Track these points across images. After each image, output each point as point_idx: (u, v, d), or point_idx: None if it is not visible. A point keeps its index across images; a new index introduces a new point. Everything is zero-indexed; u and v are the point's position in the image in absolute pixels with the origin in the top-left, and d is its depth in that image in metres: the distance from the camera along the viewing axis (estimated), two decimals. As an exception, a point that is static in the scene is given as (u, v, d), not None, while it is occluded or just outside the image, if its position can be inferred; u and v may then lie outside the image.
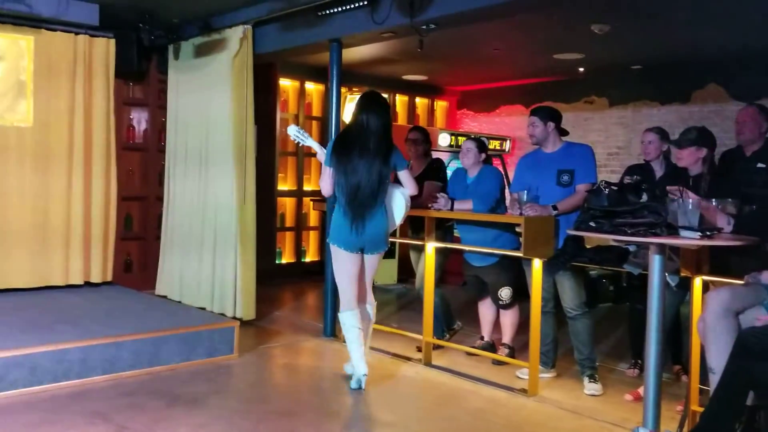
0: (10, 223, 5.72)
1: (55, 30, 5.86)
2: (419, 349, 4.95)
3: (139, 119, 6.92)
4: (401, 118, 9.25)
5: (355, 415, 3.80)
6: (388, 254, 7.89)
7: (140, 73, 6.68)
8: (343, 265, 4.17)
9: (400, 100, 9.34)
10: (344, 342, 4.32)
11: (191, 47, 6.20)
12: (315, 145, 4.43)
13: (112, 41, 6.19)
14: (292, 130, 4.50)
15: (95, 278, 6.13)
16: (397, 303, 7.04)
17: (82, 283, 6.05)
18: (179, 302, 5.84)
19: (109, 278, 6.24)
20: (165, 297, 6.02)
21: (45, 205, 5.89)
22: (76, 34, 5.97)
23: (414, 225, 5.20)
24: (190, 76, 6.17)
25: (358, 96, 4.34)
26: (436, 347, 4.95)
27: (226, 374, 4.47)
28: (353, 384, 4.12)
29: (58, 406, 3.71)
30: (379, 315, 6.25)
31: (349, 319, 4.16)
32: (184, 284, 6.04)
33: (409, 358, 4.89)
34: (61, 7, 5.62)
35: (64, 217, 5.97)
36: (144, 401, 3.86)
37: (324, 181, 4.15)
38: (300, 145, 4.61)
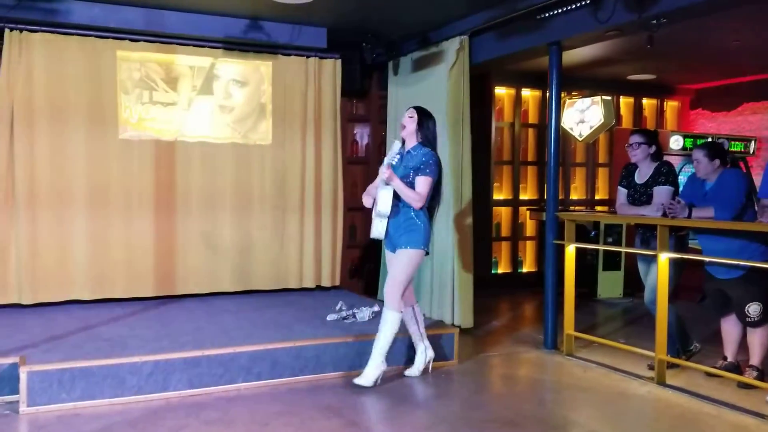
0: (253, 232, 6.33)
1: (289, 55, 6.41)
2: (650, 367, 4.59)
3: (362, 134, 7.30)
4: (626, 121, 8.74)
5: (581, 430, 3.61)
6: (614, 266, 7.52)
7: (362, 91, 7.05)
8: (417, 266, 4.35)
9: (625, 102, 8.82)
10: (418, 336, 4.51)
11: (409, 62, 6.41)
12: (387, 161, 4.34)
13: (339, 62, 6.61)
14: (395, 149, 4.36)
15: (325, 282, 6.58)
16: (624, 318, 6.62)
17: (314, 286, 6.52)
18: (400, 308, 6.03)
19: (337, 283, 6.64)
20: (386, 303, 6.25)
21: (282, 215, 6.44)
22: (307, 57, 6.47)
23: (643, 234, 4.84)
24: (409, 89, 6.38)
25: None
26: (670, 366, 4.56)
27: (447, 379, 4.51)
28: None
29: (297, 399, 4.00)
30: (605, 329, 5.95)
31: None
32: (404, 291, 6.22)
33: (639, 376, 4.56)
34: (294, 33, 6.14)
35: (298, 226, 6.48)
36: (370, 399, 4.02)
37: (427, 193, 4.23)
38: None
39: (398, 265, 4.20)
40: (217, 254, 6.19)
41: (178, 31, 5.83)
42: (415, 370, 4.49)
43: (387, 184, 4.18)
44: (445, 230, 5.73)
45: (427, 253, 4.31)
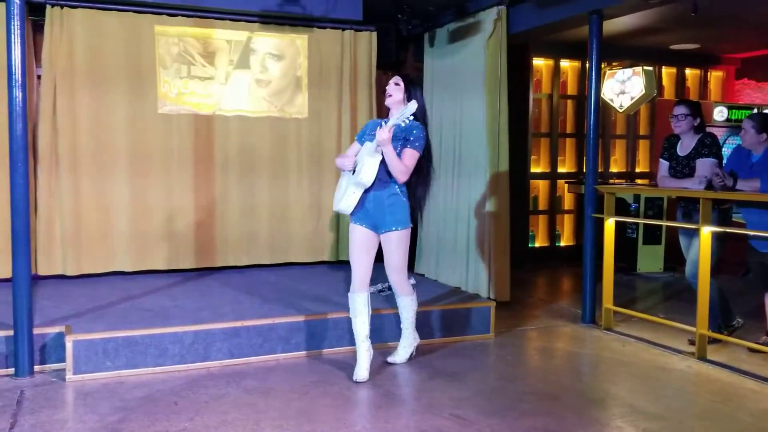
0: (290, 205, 6.38)
1: (325, 28, 6.38)
2: (691, 342, 4.53)
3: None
4: (668, 92, 8.52)
5: (620, 404, 3.59)
6: (654, 240, 7.40)
7: (398, 63, 6.99)
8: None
9: (667, 73, 8.58)
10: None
11: (445, 33, 6.32)
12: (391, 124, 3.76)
13: (374, 34, 6.55)
14: (411, 109, 3.70)
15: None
16: (664, 292, 6.52)
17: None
18: (436, 280, 6.04)
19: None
20: (422, 275, 6.26)
21: (318, 188, 6.47)
22: (343, 30, 6.43)
23: (685, 208, 4.74)
24: (445, 61, 6.31)
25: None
26: (712, 341, 4.49)
27: (483, 353, 4.52)
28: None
29: (334, 369, 4.06)
30: (645, 304, 5.88)
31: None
32: (440, 263, 6.22)
33: (679, 351, 4.50)
34: (329, 5, 6.10)
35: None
36: (407, 372, 4.05)
37: (412, 168, 3.83)
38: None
39: (396, 251, 3.87)
40: (254, 227, 6.26)
41: (215, 5, 5.85)
42: (401, 357, 4.20)
43: (375, 151, 3.75)
44: (481, 203, 5.69)
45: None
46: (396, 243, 3.86)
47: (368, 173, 3.71)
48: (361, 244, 3.88)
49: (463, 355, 4.40)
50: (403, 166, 3.75)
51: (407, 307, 4.11)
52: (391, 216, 3.83)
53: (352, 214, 3.88)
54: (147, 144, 5.85)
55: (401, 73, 3.99)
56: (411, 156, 3.80)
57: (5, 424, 3.21)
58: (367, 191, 3.81)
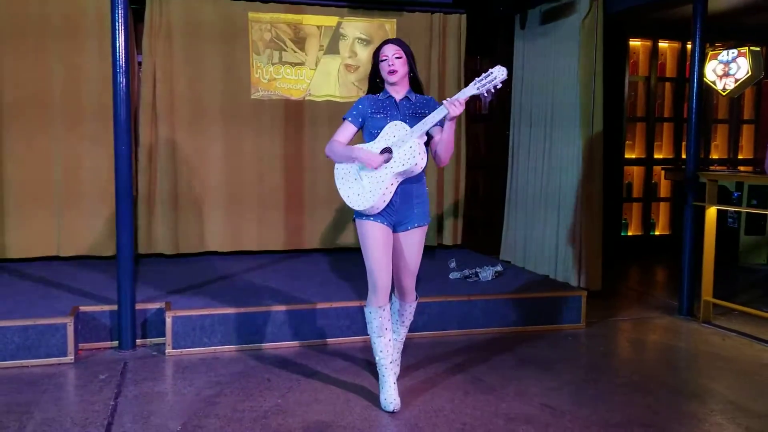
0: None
1: (414, 11, 6.34)
2: (799, 338, 4.27)
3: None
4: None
5: (719, 400, 3.42)
6: (758, 230, 7.00)
7: (488, 46, 6.87)
8: None
9: (774, 54, 8.07)
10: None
11: (537, 15, 6.15)
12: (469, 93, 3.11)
13: (464, 17, 6.46)
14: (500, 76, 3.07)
15: (446, 241, 6.58)
16: (766, 285, 6.17)
17: (435, 245, 6.53)
18: (523, 268, 5.93)
19: (459, 242, 6.63)
20: (509, 262, 6.17)
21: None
22: (432, 13, 6.38)
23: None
24: (536, 43, 6.14)
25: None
26: (822, 338, 4.22)
27: (574, 342, 4.41)
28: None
29: (421, 353, 4.07)
30: (746, 297, 5.57)
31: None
32: (527, 250, 6.11)
33: (785, 347, 4.26)
34: (418, -12, 6.08)
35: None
36: (495, 359, 4.01)
37: None
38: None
39: (419, 249, 3.32)
40: (342, 212, 6.33)
41: (305, -10, 5.94)
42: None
43: (421, 131, 3.11)
44: (573, 190, 5.53)
45: None
46: (420, 240, 3.30)
47: (423, 158, 3.11)
48: (384, 245, 3.20)
49: (554, 345, 4.32)
50: (453, 147, 3.23)
51: (410, 315, 3.50)
52: (419, 209, 3.26)
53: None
54: (241, 130, 6.01)
55: (397, 40, 3.29)
56: None
57: (110, 393, 3.40)
58: (402, 183, 3.19)
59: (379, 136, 3.20)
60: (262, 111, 6.07)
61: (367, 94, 3.38)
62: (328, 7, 6.15)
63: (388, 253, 3.21)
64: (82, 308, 4.10)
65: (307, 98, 6.18)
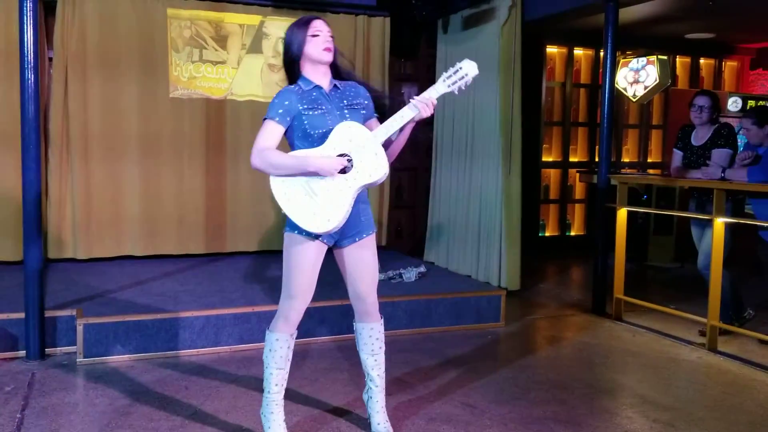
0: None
1: (338, 13, 6.33)
2: (702, 333, 4.51)
3: (410, 94, 7.18)
4: (682, 82, 8.43)
5: (630, 394, 3.58)
6: (665, 231, 7.35)
7: (411, 49, 6.94)
8: None
9: (681, 62, 8.49)
10: None
11: (459, 20, 6.27)
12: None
13: (388, 20, 6.50)
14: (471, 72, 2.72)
15: (370, 243, 6.59)
16: (674, 284, 6.49)
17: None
18: (446, 269, 6.02)
19: (384, 243, 6.65)
20: (432, 263, 6.24)
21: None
22: (356, 15, 6.39)
23: (699, 198, 4.70)
24: (459, 48, 6.25)
25: None
26: (722, 332, 4.46)
27: (494, 341, 4.51)
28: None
29: (345, 356, 4.06)
30: (655, 295, 5.84)
31: None
32: (450, 251, 6.21)
33: (690, 342, 4.48)
34: (343, -10, 6.07)
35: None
36: (418, 358, 4.05)
37: None
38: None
39: (375, 258, 2.87)
40: (265, 213, 6.25)
41: (227, -12, 5.83)
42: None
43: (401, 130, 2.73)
44: (493, 191, 5.66)
45: None
46: (374, 249, 2.86)
47: (383, 167, 2.62)
48: (313, 267, 2.76)
49: (474, 344, 4.40)
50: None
51: (381, 335, 2.97)
52: (366, 216, 2.83)
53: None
54: (158, 128, 5.84)
55: (319, 17, 2.77)
56: None
57: (17, 405, 3.23)
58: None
59: (328, 141, 2.63)
60: (181, 110, 5.92)
61: (288, 84, 2.80)
62: (251, 6, 6.06)
63: (314, 276, 2.78)
64: (-14, 316, 3.88)
65: (228, 97, 6.07)
